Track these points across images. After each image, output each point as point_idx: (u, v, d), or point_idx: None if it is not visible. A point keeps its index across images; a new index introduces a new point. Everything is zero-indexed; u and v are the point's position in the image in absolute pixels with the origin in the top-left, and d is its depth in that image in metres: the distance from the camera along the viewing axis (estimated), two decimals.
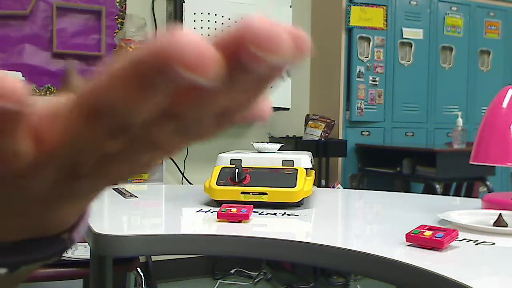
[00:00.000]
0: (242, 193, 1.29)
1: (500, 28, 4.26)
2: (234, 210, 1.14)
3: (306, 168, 1.36)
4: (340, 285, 3.31)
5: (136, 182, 2.74)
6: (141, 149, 0.23)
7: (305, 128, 3.47)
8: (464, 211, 1.21)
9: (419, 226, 0.97)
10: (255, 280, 3.34)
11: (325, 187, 3.25)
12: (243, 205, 1.17)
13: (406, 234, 0.95)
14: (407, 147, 3.48)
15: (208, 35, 2.92)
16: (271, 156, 1.41)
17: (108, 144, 0.21)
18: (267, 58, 0.18)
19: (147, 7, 3.35)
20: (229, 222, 1.14)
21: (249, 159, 1.38)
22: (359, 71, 3.71)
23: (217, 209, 1.17)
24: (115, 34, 3.23)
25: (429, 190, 3.21)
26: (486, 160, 1.29)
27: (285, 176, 1.31)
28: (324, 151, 3.34)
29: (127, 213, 1.33)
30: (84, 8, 3.17)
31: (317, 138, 3.35)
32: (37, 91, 3.09)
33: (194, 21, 3.19)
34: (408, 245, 0.95)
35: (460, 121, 3.25)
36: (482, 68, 4.21)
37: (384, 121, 3.79)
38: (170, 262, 3.23)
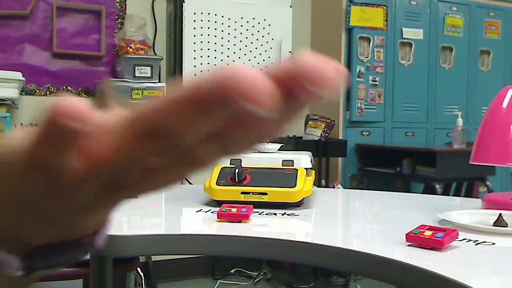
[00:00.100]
0: (242, 193, 1.29)
1: (500, 28, 4.26)
2: (234, 210, 1.14)
3: (306, 168, 1.36)
4: (340, 285, 3.31)
5: None
6: (182, 164, 0.24)
7: (305, 128, 3.47)
8: (464, 211, 1.21)
9: (419, 226, 0.97)
10: (255, 280, 3.34)
11: (325, 187, 3.25)
12: (243, 205, 1.17)
13: (406, 234, 0.95)
14: (407, 147, 3.48)
15: (208, 35, 2.89)
16: (271, 156, 1.41)
17: (154, 160, 0.23)
18: (318, 93, 0.20)
19: (147, 7, 3.35)
20: (229, 222, 1.14)
21: (249, 159, 1.38)
22: (359, 71, 3.71)
23: (217, 209, 1.17)
24: (115, 34, 3.23)
25: (429, 190, 3.21)
26: (486, 160, 1.29)
27: (285, 176, 1.31)
28: (324, 151, 3.34)
29: (127, 213, 1.33)
30: (84, 8, 3.17)
31: (317, 138, 3.35)
32: (37, 91, 3.09)
33: (194, 21, 3.19)
34: (408, 245, 0.95)
35: (460, 121, 3.25)
36: (482, 68, 4.21)
37: (384, 121, 3.79)
38: (170, 262, 3.23)
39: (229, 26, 3.28)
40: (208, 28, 3.23)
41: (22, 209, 0.27)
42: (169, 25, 3.34)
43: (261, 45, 3.36)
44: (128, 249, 1.06)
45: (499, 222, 1.11)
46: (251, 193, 1.29)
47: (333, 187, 3.31)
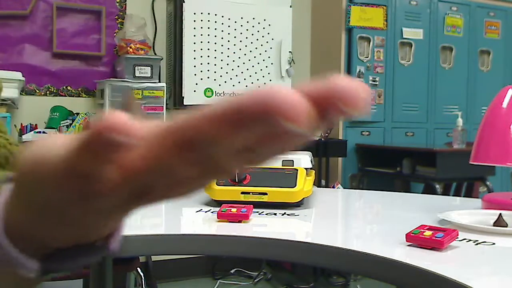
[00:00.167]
0: (242, 193, 1.29)
1: (500, 28, 4.26)
2: (234, 210, 1.14)
3: (306, 168, 1.36)
4: (340, 285, 3.31)
5: None
6: (209, 174, 0.25)
7: None
8: (464, 211, 1.21)
9: (419, 226, 0.97)
10: (255, 280, 3.34)
11: (325, 187, 3.25)
12: (243, 205, 1.17)
13: (406, 234, 0.95)
14: (407, 147, 3.48)
15: (208, 35, 2.89)
16: None
17: (185, 170, 0.24)
18: (350, 112, 0.22)
19: (147, 7, 3.35)
20: (229, 222, 1.14)
21: None
22: (359, 71, 3.71)
23: (217, 209, 1.17)
24: (115, 34, 3.23)
25: (429, 190, 3.21)
26: (486, 160, 1.29)
27: (285, 176, 1.31)
28: (324, 151, 3.34)
29: None
30: (84, 8, 3.17)
31: (317, 138, 3.35)
32: (37, 91, 3.09)
33: (194, 21, 3.19)
34: (408, 245, 0.95)
35: (460, 121, 3.25)
36: (482, 68, 4.21)
37: (384, 121, 3.79)
38: (170, 262, 3.23)
39: (229, 26, 3.28)
40: (208, 28, 3.23)
41: (48, 214, 0.28)
42: (169, 25, 3.34)
43: (261, 45, 3.36)
44: (128, 249, 1.06)
45: (499, 222, 1.11)
46: (251, 193, 1.29)
47: (333, 187, 3.31)
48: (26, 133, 2.79)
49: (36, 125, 2.89)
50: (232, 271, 3.43)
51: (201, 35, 3.21)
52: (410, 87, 3.88)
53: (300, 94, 0.21)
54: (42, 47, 3.08)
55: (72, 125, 2.88)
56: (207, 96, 3.23)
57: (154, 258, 3.11)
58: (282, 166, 1.36)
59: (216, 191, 1.30)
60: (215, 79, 3.25)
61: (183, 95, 3.17)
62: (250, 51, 3.34)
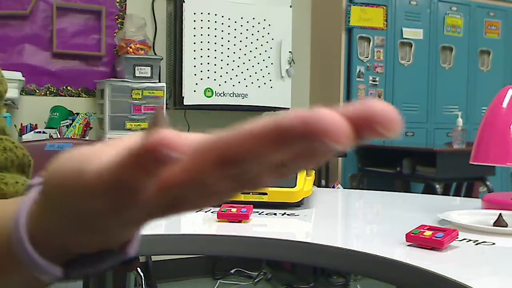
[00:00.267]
0: (242, 192, 1.29)
1: (500, 28, 4.26)
2: (234, 210, 1.14)
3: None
4: (340, 285, 3.31)
5: None
6: (241, 187, 0.26)
7: None
8: (464, 211, 1.21)
9: (419, 226, 0.97)
10: (255, 280, 3.34)
11: (325, 187, 3.25)
12: (243, 205, 1.17)
13: (406, 234, 0.95)
14: (407, 147, 3.48)
15: (208, 35, 2.89)
16: None
17: (219, 184, 0.25)
18: (385, 133, 0.23)
19: (147, 7, 3.35)
20: (229, 222, 1.14)
21: None
22: (359, 71, 3.71)
23: (217, 209, 1.17)
24: (115, 34, 3.23)
25: (429, 190, 3.21)
26: (486, 160, 1.29)
27: None
28: None
29: None
30: (84, 8, 3.17)
31: None
32: (37, 91, 3.09)
33: (194, 21, 3.19)
34: (408, 245, 0.95)
35: (460, 121, 3.25)
36: (482, 68, 4.21)
37: None
38: (170, 262, 3.23)
39: (229, 26, 3.28)
40: (208, 28, 3.22)
41: (77, 224, 0.28)
42: (169, 25, 3.34)
43: (261, 45, 3.36)
44: None
45: (499, 222, 1.11)
46: (251, 193, 1.29)
47: (333, 187, 3.31)
48: (26, 133, 2.79)
49: (36, 125, 2.89)
50: (232, 271, 3.43)
51: (201, 35, 3.21)
52: (410, 87, 3.88)
53: (341, 116, 0.22)
54: (42, 47, 3.08)
55: (72, 125, 2.88)
56: (207, 96, 3.23)
57: (154, 258, 3.11)
58: None
59: None
60: (215, 79, 3.25)
61: (183, 95, 3.16)
62: (250, 51, 3.34)
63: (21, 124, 2.88)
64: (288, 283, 3.30)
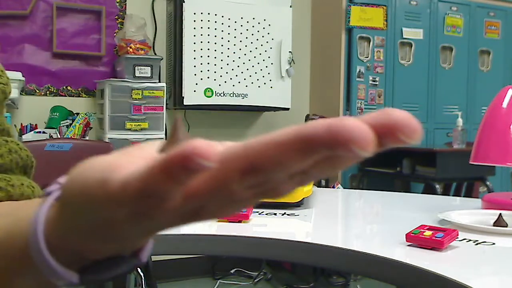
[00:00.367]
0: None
1: (500, 28, 4.26)
2: None
3: None
4: (340, 285, 3.31)
5: None
6: (263, 196, 0.26)
7: None
8: (464, 211, 1.21)
9: (419, 226, 0.97)
10: (255, 280, 3.34)
11: (325, 187, 3.25)
12: None
13: (406, 234, 0.95)
14: (407, 147, 3.47)
15: (208, 35, 2.88)
16: None
17: (242, 193, 0.25)
18: (406, 140, 0.24)
19: (147, 7, 3.35)
20: (229, 222, 1.14)
21: None
22: (359, 71, 3.71)
23: None
24: (115, 34, 3.23)
25: (429, 190, 3.21)
26: (486, 160, 1.29)
27: None
28: None
29: None
30: (84, 8, 3.17)
31: None
32: (37, 91, 3.09)
33: (194, 21, 3.19)
34: (408, 245, 0.95)
35: (460, 121, 3.25)
36: (482, 68, 4.21)
37: None
38: (170, 262, 3.23)
39: (229, 26, 3.28)
40: (208, 28, 3.22)
41: (96, 232, 0.29)
42: (169, 25, 3.34)
43: (261, 45, 3.36)
44: None
45: (499, 222, 1.11)
46: None
47: (333, 187, 3.31)
48: (26, 133, 2.79)
49: (36, 125, 2.89)
50: (232, 271, 3.43)
51: (201, 35, 3.21)
52: (410, 87, 3.88)
53: (365, 124, 0.23)
54: (42, 47, 3.08)
55: (72, 125, 2.88)
56: (207, 96, 3.23)
57: (154, 258, 3.11)
58: None
59: None
60: (215, 79, 3.25)
61: (183, 95, 3.16)
62: (250, 51, 3.34)
63: (21, 124, 2.88)
64: (288, 283, 3.30)
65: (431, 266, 0.81)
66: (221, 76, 3.26)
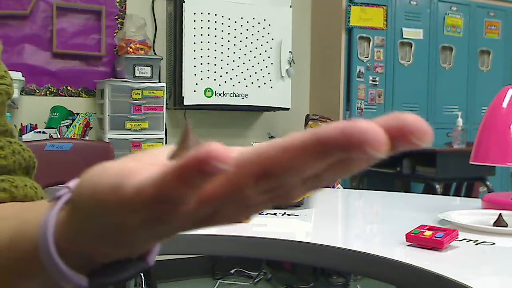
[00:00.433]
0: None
1: (500, 28, 4.26)
2: None
3: None
4: (340, 285, 3.31)
5: None
6: (277, 201, 0.26)
7: (305, 128, 3.47)
8: (464, 211, 1.21)
9: (419, 226, 0.97)
10: (255, 280, 3.34)
11: (325, 187, 3.24)
12: None
13: (406, 234, 0.95)
14: None
15: (208, 35, 2.88)
16: None
17: (256, 198, 0.25)
18: (417, 143, 0.24)
19: (147, 7, 3.35)
20: None
21: None
22: (359, 71, 3.71)
23: None
24: (115, 34, 3.23)
25: (429, 190, 3.21)
26: (486, 160, 1.29)
27: None
28: None
29: None
30: (84, 8, 3.17)
31: None
32: (37, 91, 3.09)
33: (194, 21, 3.19)
34: (408, 245, 0.95)
35: (460, 121, 3.25)
36: (482, 68, 4.21)
37: None
38: (170, 262, 3.22)
39: (229, 26, 3.28)
40: (208, 28, 3.22)
41: (107, 236, 0.29)
42: (169, 25, 3.34)
43: (261, 45, 3.36)
44: None
45: (499, 222, 1.11)
46: None
47: (333, 187, 3.31)
48: (26, 133, 2.79)
49: (36, 125, 2.89)
50: (232, 271, 3.43)
51: (201, 35, 3.21)
52: (410, 87, 3.88)
53: (379, 127, 0.23)
54: (42, 47, 3.08)
55: (72, 125, 2.88)
56: (207, 96, 3.23)
57: None
58: None
59: None
60: (215, 79, 3.25)
61: (183, 95, 3.17)
62: (250, 51, 3.34)
63: (21, 124, 2.88)
64: (288, 283, 3.30)
65: (431, 266, 0.81)
66: (221, 76, 3.26)
